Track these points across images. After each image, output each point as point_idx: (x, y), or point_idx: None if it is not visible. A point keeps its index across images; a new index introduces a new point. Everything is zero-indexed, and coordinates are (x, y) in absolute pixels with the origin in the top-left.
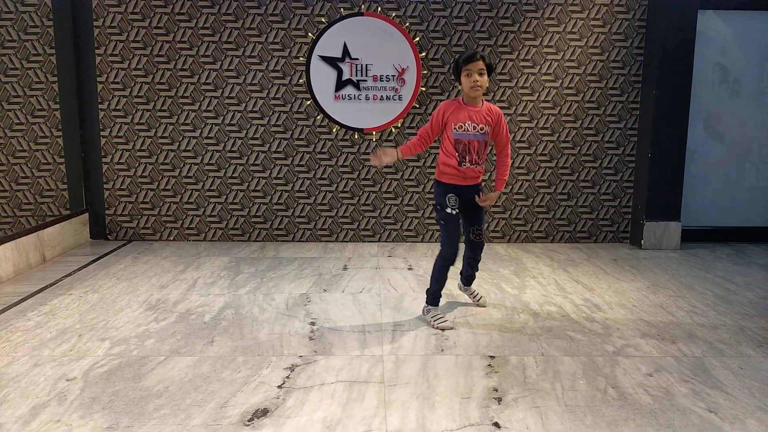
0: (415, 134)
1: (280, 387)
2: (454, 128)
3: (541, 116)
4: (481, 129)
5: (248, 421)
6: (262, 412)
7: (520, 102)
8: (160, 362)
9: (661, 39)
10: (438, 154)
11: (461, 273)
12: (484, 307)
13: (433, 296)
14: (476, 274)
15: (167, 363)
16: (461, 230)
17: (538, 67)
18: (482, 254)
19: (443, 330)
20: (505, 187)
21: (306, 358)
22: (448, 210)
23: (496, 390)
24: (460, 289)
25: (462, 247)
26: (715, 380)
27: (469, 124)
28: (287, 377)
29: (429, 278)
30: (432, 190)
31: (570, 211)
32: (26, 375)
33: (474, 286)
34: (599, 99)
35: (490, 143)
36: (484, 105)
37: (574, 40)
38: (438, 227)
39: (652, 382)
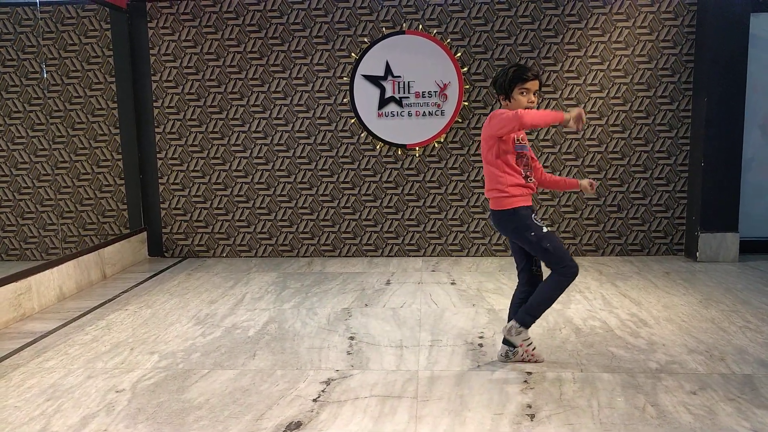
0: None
1: (315, 400)
2: (517, 141)
3: (588, 127)
4: (527, 141)
5: None
6: (295, 425)
7: None
8: (203, 375)
9: (712, 44)
10: (488, 181)
11: (512, 310)
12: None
13: (535, 316)
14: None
15: (210, 376)
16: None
17: (583, 78)
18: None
19: (537, 362)
20: (553, 199)
21: (342, 372)
22: (545, 230)
23: (530, 407)
24: (504, 331)
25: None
26: (764, 399)
27: (524, 138)
28: (323, 391)
29: (471, 293)
30: (493, 223)
31: (621, 223)
32: (80, 386)
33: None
34: (648, 108)
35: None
36: None
37: (620, 50)
38: (546, 254)
39: (696, 400)
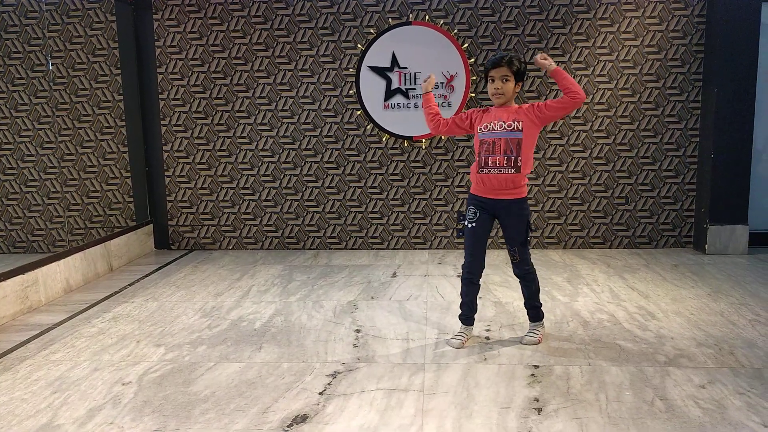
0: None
1: (321, 393)
2: (480, 130)
3: (596, 118)
4: (509, 126)
5: (287, 426)
6: (301, 418)
7: None
8: (210, 368)
9: (723, 35)
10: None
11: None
12: (523, 344)
13: (461, 313)
14: (537, 303)
15: (216, 369)
16: (484, 247)
17: (591, 68)
18: (533, 278)
19: (449, 346)
20: (560, 191)
21: (349, 365)
22: (465, 222)
23: (537, 400)
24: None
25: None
26: None
27: (495, 124)
28: (329, 384)
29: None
30: None
31: (629, 216)
32: (86, 379)
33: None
34: (657, 99)
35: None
36: (514, 106)
37: (629, 40)
38: None
39: (704, 394)
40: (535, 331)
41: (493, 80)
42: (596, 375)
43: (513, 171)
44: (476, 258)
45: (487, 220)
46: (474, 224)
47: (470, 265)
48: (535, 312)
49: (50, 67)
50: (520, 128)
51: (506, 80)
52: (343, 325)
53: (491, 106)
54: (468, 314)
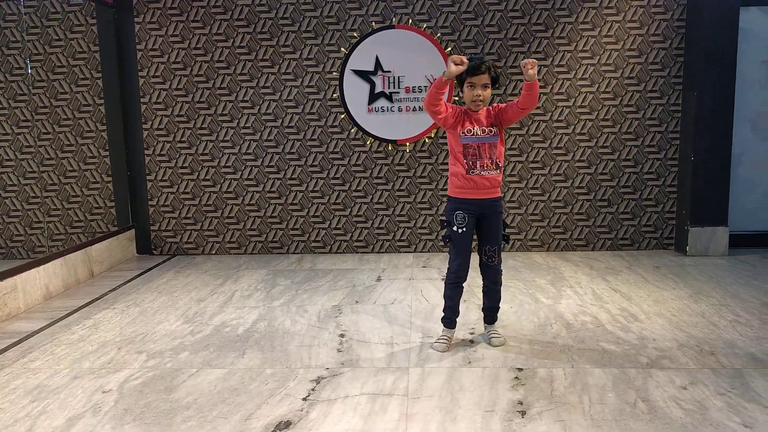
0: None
1: (304, 399)
2: (462, 133)
3: (578, 121)
4: (490, 131)
5: None
6: (285, 425)
7: (555, 108)
8: (192, 374)
9: (702, 39)
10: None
11: (482, 308)
12: (495, 347)
13: (443, 315)
14: (500, 306)
15: (198, 375)
16: (470, 249)
17: (573, 72)
18: (501, 281)
19: (433, 350)
20: (544, 194)
21: (332, 370)
22: (455, 228)
23: (521, 403)
24: (485, 328)
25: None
26: (754, 393)
27: (477, 128)
28: (312, 389)
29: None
30: None
31: (611, 218)
32: (66, 387)
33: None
34: (638, 103)
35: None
36: (483, 109)
37: (610, 44)
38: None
39: (686, 395)
40: (497, 332)
41: (473, 87)
42: (580, 377)
43: (496, 172)
44: (466, 261)
45: (473, 222)
46: (464, 228)
47: (459, 268)
48: (495, 315)
49: (29, 71)
50: (496, 133)
51: (486, 87)
52: (327, 330)
53: (463, 107)
54: (452, 317)
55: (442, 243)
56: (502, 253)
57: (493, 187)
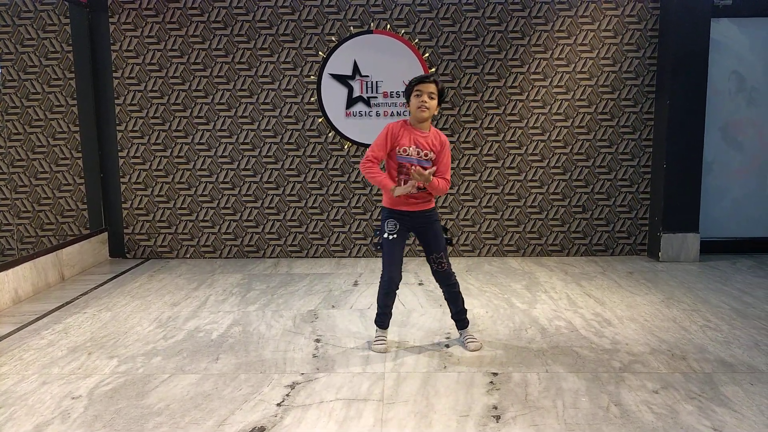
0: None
1: (279, 405)
2: (399, 152)
3: (554, 129)
4: (426, 155)
5: None
6: (258, 431)
7: (531, 115)
8: (164, 380)
9: (674, 48)
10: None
11: (451, 316)
12: (471, 351)
13: (377, 318)
14: (466, 308)
15: (171, 381)
16: (402, 257)
17: (549, 79)
18: (457, 282)
19: (375, 352)
20: (519, 200)
21: (308, 375)
22: (385, 235)
23: (496, 408)
24: (460, 334)
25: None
26: (724, 397)
27: (413, 149)
28: (287, 395)
29: (439, 294)
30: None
31: (585, 224)
32: (34, 393)
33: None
34: (612, 110)
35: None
36: (431, 131)
37: (585, 52)
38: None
39: (658, 399)
40: (473, 336)
41: (420, 94)
42: (554, 382)
43: (424, 189)
44: (397, 268)
45: (404, 232)
46: (395, 235)
47: (391, 274)
48: (465, 318)
49: (0, 71)
50: (431, 159)
51: (432, 97)
52: (302, 335)
53: (406, 119)
54: (386, 320)
55: (375, 251)
56: (449, 257)
57: (424, 201)
